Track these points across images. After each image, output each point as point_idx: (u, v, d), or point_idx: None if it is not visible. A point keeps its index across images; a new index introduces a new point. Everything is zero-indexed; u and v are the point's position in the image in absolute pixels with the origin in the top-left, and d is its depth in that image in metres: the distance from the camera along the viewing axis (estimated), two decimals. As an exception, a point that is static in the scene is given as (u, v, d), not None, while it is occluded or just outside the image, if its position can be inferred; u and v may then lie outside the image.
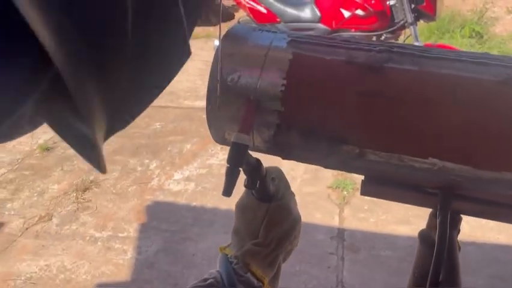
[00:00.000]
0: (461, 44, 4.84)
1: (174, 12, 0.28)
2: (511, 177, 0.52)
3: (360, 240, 2.32)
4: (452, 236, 0.63)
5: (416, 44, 2.93)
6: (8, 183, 2.73)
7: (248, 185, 0.62)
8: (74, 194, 2.63)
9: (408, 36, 3.05)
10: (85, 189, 2.67)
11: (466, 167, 0.53)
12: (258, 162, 0.63)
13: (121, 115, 0.31)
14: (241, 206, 0.66)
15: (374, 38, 3.23)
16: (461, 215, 0.64)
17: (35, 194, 2.64)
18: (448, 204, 0.58)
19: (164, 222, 2.42)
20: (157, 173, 2.86)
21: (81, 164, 2.93)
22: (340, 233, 2.37)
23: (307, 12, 3.36)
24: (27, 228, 2.37)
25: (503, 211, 0.58)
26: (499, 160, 0.52)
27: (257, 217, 0.64)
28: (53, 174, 2.83)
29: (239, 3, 3.63)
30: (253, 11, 3.54)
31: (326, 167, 0.64)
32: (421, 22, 3.21)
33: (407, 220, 2.39)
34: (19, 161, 2.96)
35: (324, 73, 0.58)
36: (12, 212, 2.50)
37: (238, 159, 0.57)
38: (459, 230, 0.66)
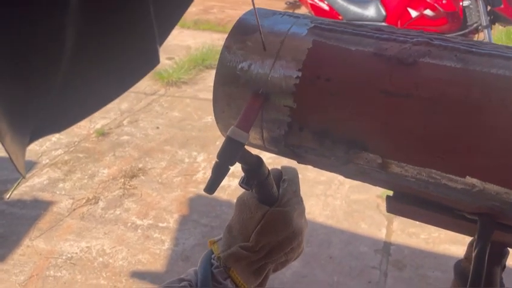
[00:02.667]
0: (544, 52, 4.40)
1: (143, 21, 0.28)
2: None
3: (407, 257, 2.16)
4: (493, 272, 0.52)
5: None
6: (62, 164, 2.85)
7: (243, 185, 0.55)
8: (122, 180, 2.69)
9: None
10: (133, 176, 2.72)
11: (513, 192, 0.42)
12: (259, 161, 0.56)
13: (57, 120, 0.29)
14: (240, 201, 0.60)
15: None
16: (509, 248, 0.53)
17: (86, 177, 2.73)
18: (488, 234, 0.47)
19: (204, 216, 2.40)
20: (203, 166, 2.85)
21: (132, 151, 3.00)
22: (386, 247, 2.22)
23: (371, 11, 3.20)
24: (74, 209, 2.45)
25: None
26: (558, 187, 0.40)
27: (253, 218, 0.57)
28: (105, 158, 2.91)
29: (301, 0, 3.54)
30: (315, 8, 3.44)
31: (344, 175, 0.55)
32: (497, 26, 2.94)
33: (462, 240, 2.18)
34: (75, 143, 3.08)
35: (346, 66, 0.49)
36: (63, 192, 2.59)
37: (230, 157, 0.50)
38: (504, 266, 0.54)
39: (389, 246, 2.23)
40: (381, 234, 2.30)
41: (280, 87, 0.51)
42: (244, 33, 0.55)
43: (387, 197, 0.55)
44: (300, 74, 0.50)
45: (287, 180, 0.61)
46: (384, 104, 0.46)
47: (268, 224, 0.57)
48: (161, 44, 0.30)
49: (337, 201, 2.52)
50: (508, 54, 0.45)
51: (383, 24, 3.12)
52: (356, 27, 0.52)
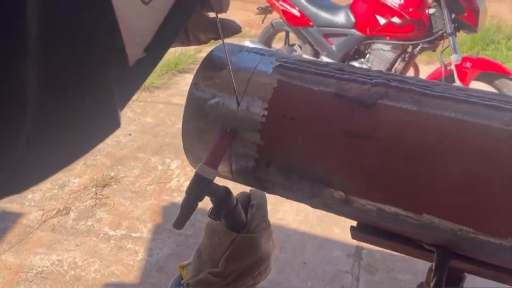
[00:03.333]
0: (506, 56, 4.58)
1: (102, 83, 0.27)
2: (519, 246, 0.43)
3: (378, 261, 2.21)
4: (452, 297, 0.55)
5: (454, 56, 2.78)
6: (32, 174, 2.78)
7: (212, 216, 0.57)
8: (94, 190, 2.65)
9: (447, 47, 2.90)
10: (105, 185, 2.68)
11: (465, 228, 0.45)
12: (227, 192, 0.57)
13: (19, 181, 0.29)
14: (210, 227, 0.61)
15: (410, 48, 3.09)
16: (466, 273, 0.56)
17: (56, 187, 2.67)
18: (445, 264, 0.50)
19: (178, 225, 2.40)
20: (177, 173, 2.84)
21: (104, 158, 2.96)
22: (358, 252, 2.27)
23: (341, 17, 3.25)
24: (44, 221, 2.40)
25: (509, 277, 0.50)
26: (504, 224, 0.43)
27: (222, 245, 0.59)
28: (75, 167, 2.86)
29: (273, 5, 3.57)
30: (286, 14, 3.47)
31: (312, 206, 0.57)
32: (462, 33, 3.04)
33: (431, 243, 2.26)
34: (45, 152, 3.01)
35: (310, 106, 0.51)
36: (32, 203, 2.54)
37: (198, 193, 0.52)
38: (462, 288, 0.58)
39: (361, 250, 2.28)
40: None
41: (248, 125, 0.53)
42: (212, 70, 0.56)
43: (351, 227, 0.57)
44: (266, 112, 0.52)
45: (255, 205, 0.63)
46: (346, 144, 0.48)
47: (237, 250, 0.58)
48: (122, 108, 0.30)
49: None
50: (459, 97, 0.48)
51: (353, 31, 3.19)
52: (319, 67, 0.54)
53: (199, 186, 0.52)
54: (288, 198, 0.57)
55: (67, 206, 2.52)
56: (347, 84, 0.51)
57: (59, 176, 2.77)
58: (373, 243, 0.58)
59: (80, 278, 2.08)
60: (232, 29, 0.52)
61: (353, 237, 0.58)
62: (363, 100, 0.49)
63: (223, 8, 0.46)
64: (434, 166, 0.45)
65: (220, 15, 0.48)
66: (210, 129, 0.55)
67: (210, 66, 0.57)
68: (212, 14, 0.50)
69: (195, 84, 0.56)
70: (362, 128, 0.48)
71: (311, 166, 0.50)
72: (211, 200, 0.58)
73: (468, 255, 0.50)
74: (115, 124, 0.29)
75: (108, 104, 0.28)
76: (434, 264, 0.50)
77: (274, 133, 0.52)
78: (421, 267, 2.16)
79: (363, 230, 0.56)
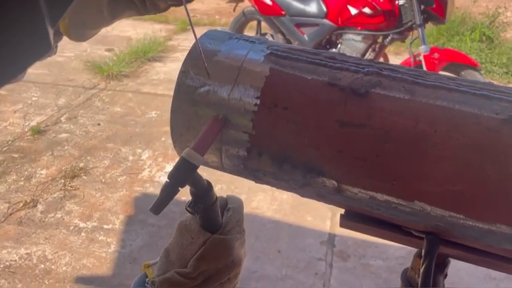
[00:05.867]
0: (471, 48, 4.73)
1: (30, 5, 0.25)
2: (505, 231, 0.45)
3: (350, 247, 2.26)
4: (438, 281, 0.56)
5: (423, 47, 2.85)
6: (-5, 166, 2.67)
7: (189, 209, 0.54)
8: (62, 181, 2.57)
9: (416, 38, 2.96)
10: (74, 177, 2.61)
11: (456, 214, 0.46)
12: (209, 186, 0.55)
13: None
14: (182, 225, 0.59)
15: (380, 38, 3.14)
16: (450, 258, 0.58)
17: (22, 179, 2.58)
18: (435, 250, 0.51)
19: (151, 216, 2.36)
20: (149, 163, 2.79)
21: (72, 149, 2.88)
22: (330, 239, 2.31)
23: (313, 7, 3.26)
24: (11, 214, 2.32)
25: (495, 262, 0.52)
26: (493, 210, 0.45)
27: (194, 244, 0.56)
28: (42, 158, 2.77)
29: (244, -7, 3.53)
30: (258, 2, 3.45)
31: (302, 196, 0.57)
32: (430, 24, 3.11)
33: (400, 229, 2.33)
34: (9, 143, 2.89)
35: (302, 95, 0.50)
36: (-3, 196, 2.44)
37: (181, 178, 0.49)
38: (446, 274, 0.59)
39: (334, 237, 2.32)
40: (326, 226, 2.39)
41: (239, 113, 0.52)
42: (201, 58, 0.55)
43: (340, 215, 0.58)
44: (258, 101, 0.51)
45: (232, 209, 0.61)
46: (339, 132, 0.48)
47: (209, 250, 0.56)
48: (53, 26, 0.27)
49: (284, 195, 2.58)
50: (450, 86, 0.48)
51: (324, 21, 3.21)
52: (310, 55, 0.54)
53: (183, 171, 0.49)
54: (279, 187, 0.57)
55: (34, 198, 2.44)
56: (340, 73, 0.51)
57: (25, 168, 2.67)
58: (362, 230, 0.58)
59: (50, 271, 2.02)
60: None
61: (341, 225, 0.59)
62: (356, 89, 0.49)
63: None
64: (426, 154, 0.46)
65: None
66: (199, 118, 0.54)
67: (198, 54, 0.55)
68: None
69: (183, 72, 0.55)
70: (355, 116, 0.48)
71: (304, 155, 0.50)
72: (190, 193, 0.55)
73: (456, 241, 0.51)
74: (45, 44, 0.26)
75: (35, 17, 0.26)
76: (423, 250, 0.51)
77: (267, 122, 0.51)
78: (392, 252, 2.23)
79: (351, 218, 0.56)
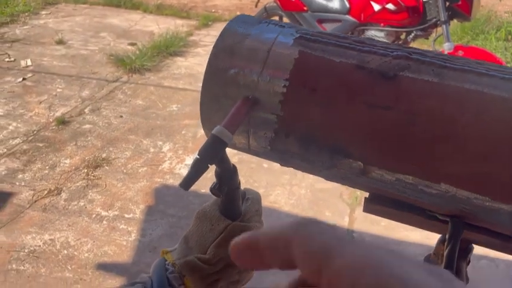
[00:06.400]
0: (496, 46, 4.64)
1: None
2: (533, 215, 0.45)
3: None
4: (461, 267, 0.57)
5: (447, 44, 2.81)
6: (21, 154, 2.75)
7: (214, 190, 0.55)
8: (85, 170, 2.63)
9: (440, 35, 2.92)
10: (96, 166, 2.67)
11: (483, 197, 0.46)
12: (234, 169, 0.56)
13: None
14: (201, 213, 0.59)
15: (404, 35, 3.11)
16: (473, 245, 0.58)
17: (47, 167, 2.65)
18: (459, 234, 0.52)
19: (171, 207, 2.40)
20: (169, 156, 2.83)
21: (95, 140, 2.94)
22: (349, 234, 2.30)
23: (335, 3, 3.25)
24: (35, 201, 2.38)
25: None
26: (522, 193, 0.45)
27: (214, 231, 0.57)
28: (66, 148, 2.83)
29: (267, -11, 3.54)
30: (280, -2, 3.45)
31: (326, 179, 0.58)
32: (455, 21, 3.07)
33: (420, 227, 2.31)
34: (34, 132, 2.97)
35: (331, 77, 0.51)
36: (23, 183, 2.51)
37: (211, 155, 0.50)
38: (469, 261, 0.59)
39: (352, 233, 2.32)
40: (344, 222, 2.39)
41: (268, 95, 0.53)
42: (231, 41, 0.56)
43: (365, 198, 0.58)
44: (287, 83, 0.52)
45: (250, 199, 0.61)
46: (366, 114, 0.49)
47: (229, 237, 0.56)
48: None
49: (302, 190, 2.58)
50: (478, 70, 0.49)
51: (347, 17, 3.19)
52: (339, 39, 0.54)
53: (214, 148, 0.50)
54: (304, 169, 0.58)
55: (58, 186, 2.50)
56: (368, 56, 0.51)
57: (50, 157, 2.74)
58: (386, 215, 0.59)
59: (73, 257, 2.08)
60: None
61: (365, 209, 0.59)
62: (385, 72, 0.49)
63: None
64: (454, 137, 0.46)
65: None
66: (229, 100, 0.55)
67: (229, 38, 0.57)
68: None
69: (214, 54, 0.56)
70: (382, 98, 0.49)
71: (331, 136, 0.51)
72: (215, 175, 0.56)
73: (480, 225, 0.52)
74: None
75: None
76: (448, 234, 0.52)
77: (295, 103, 0.52)
78: (412, 249, 2.21)
79: (376, 201, 0.57)
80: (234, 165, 0.57)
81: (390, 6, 2.99)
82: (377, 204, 0.58)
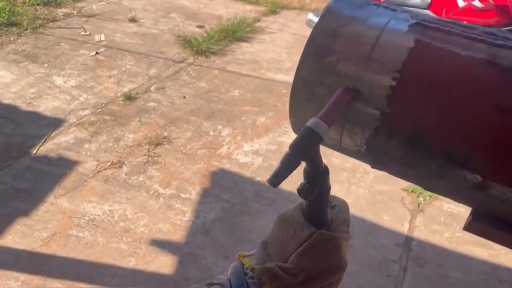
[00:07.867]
0: None
1: None
2: None
3: (428, 254, 2.13)
4: None
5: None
6: (89, 125, 2.85)
7: (301, 192, 0.49)
8: (147, 147, 2.68)
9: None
10: (157, 144, 2.71)
11: None
12: (326, 170, 0.50)
13: None
14: (283, 218, 0.53)
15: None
16: None
17: (111, 140, 2.73)
18: None
19: (226, 192, 2.39)
20: (228, 140, 2.82)
21: (158, 118, 2.99)
22: (407, 242, 2.19)
23: (415, -4, 3.07)
24: (99, 171, 2.46)
25: None
26: None
27: (297, 238, 0.51)
28: (130, 123, 2.90)
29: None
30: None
31: (428, 189, 0.51)
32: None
33: (487, 243, 2.14)
34: (103, 105, 3.07)
35: (453, 72, 0.44)
36: (89, 153, 2.60)
37: (305, 150, 0.44)
38: None
39: (411, 241, 2.20)
40: (404, 228, 2.27)
41: (373, 87, 0.47)
42: (334, 24, 0.50)
43: (471, 215, 0.51)
44: (398, 75, 0.45)
45: (337, 206, 0.54)
46: (495, 120, 0.41)
47: (314, 246, 0.50)
48: None
49: (361, 189, 2.48)
50: None
51: (427, 12, 3.00)
52: (465, 29, 0.47)
53: (307, 143, 0.44)
54: (402, 176, 0.51)
55: (121, 159, 2.57)
56: (502, 51, 0.43)
57: (115, 130, 2.82)
58: (491, 236, 0.51)
59: (129, 230, 2.13)
60: None
61: (467, 228, 0.52)
62: (524, 71, 0.41)
63: None
64: None
65: None
66: (324, 89, 0.49)
67: (332, 20, 0.51)
68: None
69: (314, 36, 0.50)
70: (518, 103, 0.41)
71: (445, 141, 0.44)
72: (304, 174, 0.49)
73: None
74: None
75: None
76: None
77: (405, 100, 0.45)
78: (475, 266, 2.06)
79: (485, 220, 0.49)
80: (326, 166, 0.50)
81: (477, 3, 2.77)
82: (484, 222, 0.50)
